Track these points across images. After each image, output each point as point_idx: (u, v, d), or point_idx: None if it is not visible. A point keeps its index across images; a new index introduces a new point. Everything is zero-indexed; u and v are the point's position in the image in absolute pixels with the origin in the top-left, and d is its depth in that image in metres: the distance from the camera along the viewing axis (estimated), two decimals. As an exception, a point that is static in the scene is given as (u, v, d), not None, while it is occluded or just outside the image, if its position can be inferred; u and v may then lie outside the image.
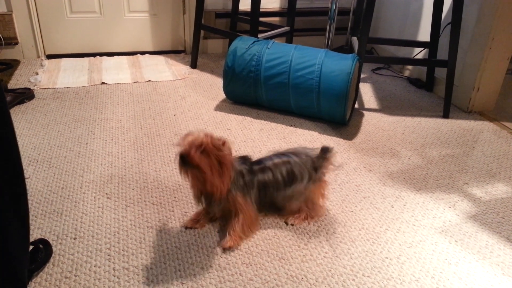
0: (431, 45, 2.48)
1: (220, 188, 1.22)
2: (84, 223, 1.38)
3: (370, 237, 1.38)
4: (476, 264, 1.30)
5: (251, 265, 1.25)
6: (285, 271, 1.23)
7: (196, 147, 1.16)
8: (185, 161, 1.16)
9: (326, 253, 1.31)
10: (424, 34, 2.62)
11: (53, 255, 1.24)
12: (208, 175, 1.19)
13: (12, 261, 0.94)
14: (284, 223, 1.42)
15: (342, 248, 1.33)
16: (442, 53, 2.46)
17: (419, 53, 2.68)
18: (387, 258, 1.30)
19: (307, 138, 1.98)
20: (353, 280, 1.22)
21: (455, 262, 1.30)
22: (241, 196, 1.29)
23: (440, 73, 2.52)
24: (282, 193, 1.37)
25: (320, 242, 1.35)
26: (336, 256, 1.30)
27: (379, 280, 1.22)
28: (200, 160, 1.16)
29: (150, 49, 3.02)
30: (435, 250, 1.34)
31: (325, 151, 1.41)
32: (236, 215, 1.31)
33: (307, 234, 1.38)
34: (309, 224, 1.41)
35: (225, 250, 1.29)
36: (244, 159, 1.35)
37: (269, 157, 1.38)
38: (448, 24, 2.23)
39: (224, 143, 1.21)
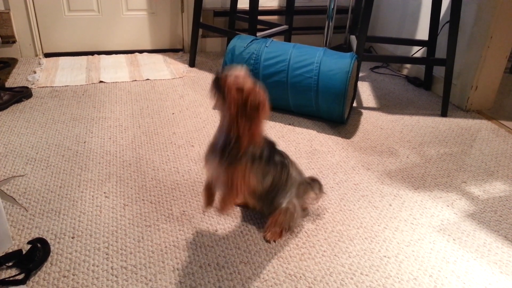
0: (430, 43, 2.48)
1: (243, 136, 1.13)
2: (82, 222, 1.38)
3: (368, 236, 1.38)
4: (474, 262, 1.30)
5: (249, 263, 1.25)
6: (283, 269, 1.23)
7: (237, 82, 1.11)
8: (218, 84, 1.11)
9: (324, 251, 1.31)
10: (423, 33, 2.62)
11: (51, 254, 1.24)
12: (230, 109, 1.11)
13: None
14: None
15: (341, 246, 1.33)
16: (441, 51, 2.46)
17: (418, 51, 2.68)
18: (385, 256, 1.30)
19: (305, 137, 1.98)
20: (351, 278, 1.22)
21: (453, 260, 1.30)
22: (246, 170, 1.20)
23: (439, 71, 2.52)
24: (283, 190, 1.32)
25: (318, 240, 1.35)
26: (335, 255, 1.30)
27: (377, 279, 1.22)
28: (231, 94, 1.10)
29: (149, 47, 3.01)
30: (433, 249, 1.34)
31: (314, 183, 1.42)
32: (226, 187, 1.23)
33: (306, 232, 1.38)
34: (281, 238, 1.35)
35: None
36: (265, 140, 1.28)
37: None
38: (447, 22, 2.23)
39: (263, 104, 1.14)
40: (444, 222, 1.47)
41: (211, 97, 1.16)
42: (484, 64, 2.24)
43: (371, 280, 1.21)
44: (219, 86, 1.12)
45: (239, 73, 1.14)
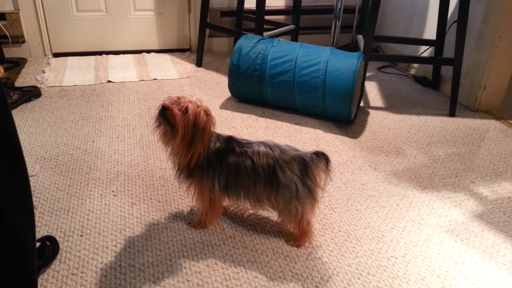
0: (437, 43, 2.46)
1: (184, 158, 1.20)
2: (90, 220, 1.39)
3: (375, 236, 1.38)
4: (482, 263, 1.29)
5: (256, 262, 1.25)
6: (290, 269, 1.24)
7: (180, 106, 1.15)
8: (164, 114, 1.14)
9: (331, 251, 1.31)
10: (430, 32, 2.61)
11: (60, 252, 1.25)
12: (179, 138, 1.16)
13: (27, 261, 0.95)
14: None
15: (348, 246, 1.33)
16: (448, 51, 2.45)
17: (425, 51, 2.66)
18: (392, 257, 1.30)
19: (312, 137, 1.98)
20: (358, 278, 1.22)
21: (461, 261, 1.30)
22: (198, 182, 1.26)
23: (446, 71, 2.51)
24: (262, 191, 1.24)
25: (325, 240, 1.35)
26: (342, 255, 1.30)
27: (384, 279, 1.22)
28: (179, 120, 1.13)
29: (156, 47, 3.03)
30: (441, 249, 1.34)
31: (318, 157, 1.23)
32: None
33: (313, 232, 1.38)
34: (298, 247, 1.31)
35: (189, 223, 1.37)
36: (227, 139, 1.27)
37: (258, 144, 1.26)
38: (455, 22, 2.22)
39: (208, 115, 1.18)
40: (452, 222, 1.46)
41: (156, 128, 1.19)
42: (492, 63, 2.22)
43: (378, 280, 1.21)
44: (166, 116, 1.14)
45: (181, 99, 1.16)
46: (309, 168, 1.22)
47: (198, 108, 1.17)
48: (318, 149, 1.25)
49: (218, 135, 1.28)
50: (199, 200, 1.30)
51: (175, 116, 1.14)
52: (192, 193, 1.31)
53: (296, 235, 1.32)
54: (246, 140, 1.30)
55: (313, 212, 1.28)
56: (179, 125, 1.14)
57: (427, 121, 2.19)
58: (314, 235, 1.36)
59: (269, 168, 1.23)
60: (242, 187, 1.26)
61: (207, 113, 1.19)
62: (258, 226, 1.39)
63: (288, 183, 1.22)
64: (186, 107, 1.15)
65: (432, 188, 1.65)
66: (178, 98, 1.17)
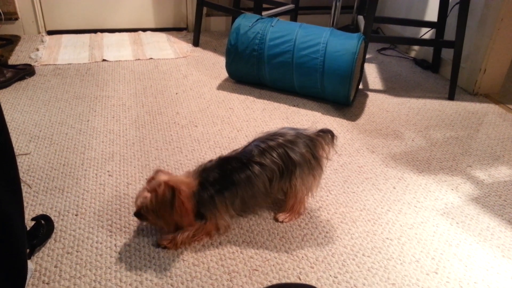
0: (439, 25, 2.43)
1: (185, 224, 1.20)
2: (85, 200, 1.38)
3: (371, 218, 1.38)
4: (476, 246, 1.30)
5: (252, 243, 1.25)
6: (285, 249, 1.24)
7: (145, 206, 1.15)
8: (141, 217, 1.19)
9: (327, 232, 1.31)
10: (432, 14, 2.57)
11: (55, 231, 1.25)
12: (165, 224, 1.20)
13: (16, 240, 0.94)
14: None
15: (343, 228, 1.33)
16: (450, 33, 2.41)
17: (426, 33, 2.63)
18: (387, 238, 1.30)
19: (310, 119, 1.96)
20: (353, 259, 1.22)
21: (455, 243, 1.30)
22: (210, 212, 1.22)
23: (447, 54, 2.48)
24: (277, 184, 1.27)
25: (321, 222, 1.35)
26: (337, 236, 1.30)
27: (379, 260, 1.22)
28: (152, 217, 1.16)
29: (152, 26, 2.97)
30: (436, 232, 1.34)
31: (324, 133, 1.32)
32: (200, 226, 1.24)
33: (308, 214, 1.38)
34: (296, 219, 1.35)
35: (159, 246, 1.22)
36: (219, 164, 1.24)
37: (252, 146, 1.27)
38: (457, 3, 2.18)
39: (175, 191, 1.12)
40: (448, 205, 1.46)
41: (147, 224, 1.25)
42: (493, 47, 2.20)
43: (373, 261, 1.22)
44: (140, 214, 1.17)
45: (142, 193, 1.17)
46: (316, 142, 1.30)
47: (157, 192, 1.13)
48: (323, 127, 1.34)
49: (205, 170, 1.22)
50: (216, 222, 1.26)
51: (147, 217, 1.17)
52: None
53: (291, 209, 1.33)
54: (235, 150, 1.29)
55: (319, 183, 1.35)
56: (150, 218, 1.17)
57: (426, 104, 2.18)
58: (310, 216, 1.36)
59: (282, 158, 1.25)
60: (260, 193, 1.26)
61: (172, 189, 1.12)
62: (254, 207, 1.39)
63: (302, 161, 1.26)
64: (146, 201, 1.14)
65: (429, 171, 1.64)
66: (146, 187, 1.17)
